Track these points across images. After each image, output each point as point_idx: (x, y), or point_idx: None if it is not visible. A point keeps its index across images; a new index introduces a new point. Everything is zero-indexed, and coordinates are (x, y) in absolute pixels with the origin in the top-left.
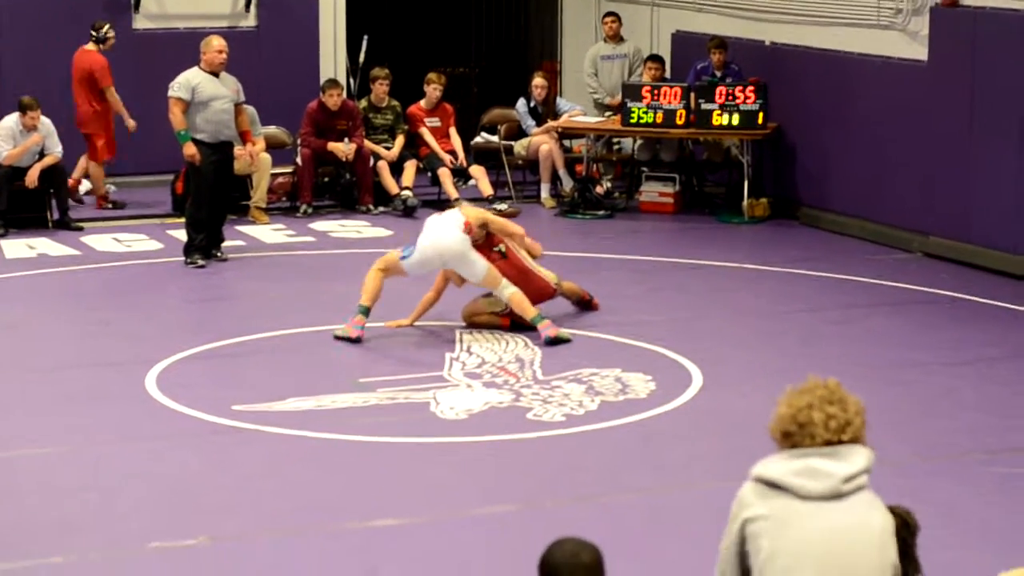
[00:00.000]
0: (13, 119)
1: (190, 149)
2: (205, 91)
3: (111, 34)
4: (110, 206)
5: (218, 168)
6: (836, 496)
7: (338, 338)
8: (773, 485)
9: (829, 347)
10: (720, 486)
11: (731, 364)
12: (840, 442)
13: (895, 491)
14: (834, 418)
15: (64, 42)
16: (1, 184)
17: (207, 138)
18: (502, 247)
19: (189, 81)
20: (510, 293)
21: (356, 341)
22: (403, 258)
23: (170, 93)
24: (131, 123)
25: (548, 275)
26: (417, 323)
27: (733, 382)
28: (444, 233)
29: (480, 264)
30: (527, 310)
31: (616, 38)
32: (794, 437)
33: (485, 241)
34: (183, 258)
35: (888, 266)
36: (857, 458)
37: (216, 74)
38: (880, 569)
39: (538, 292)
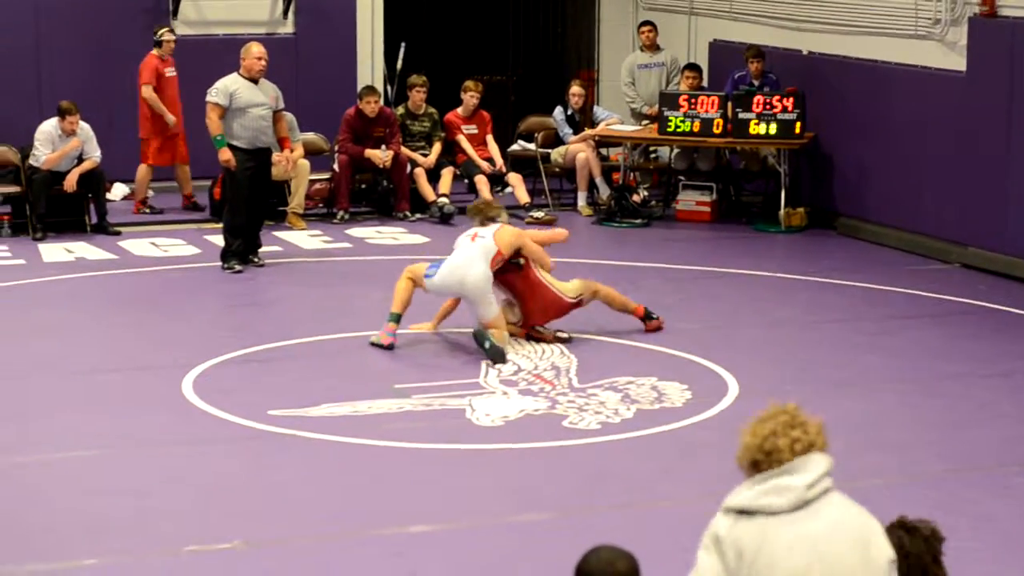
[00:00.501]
0: (52, 124)
1: (225, 154)
2: (243, 97)
3: (167, 38)
4: (147, 211)
5: (255, 174)
6: (803, 504)
7: (373, 345)
8: (744, 512)
9: (865, 358)
10: None
11: (767, 374)
12: None
13: (929, 503)
14: (799, 441)
15: (103, 47)
16: (40, 188)
17: (244, 144)
18: (521, 260)
19: (227, 87)
20: (495, 337)
21: (389, 348)
22: (427, 276)
23: (208, 98)
24: (171, 118)
25: (567, 287)
26: (453, 330)
27: (769, 392)
28: (471, 267)
29: (493, 309)
30: (498, 332)
31: (653, 47)
32: (761, 465)
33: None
34: (220, 263)
35: (926, 277)
36: (814, 465)
37: (255, 81)
38: (866, 565)
39: (545, 308)
